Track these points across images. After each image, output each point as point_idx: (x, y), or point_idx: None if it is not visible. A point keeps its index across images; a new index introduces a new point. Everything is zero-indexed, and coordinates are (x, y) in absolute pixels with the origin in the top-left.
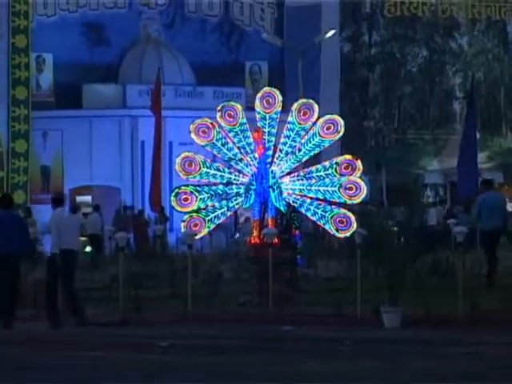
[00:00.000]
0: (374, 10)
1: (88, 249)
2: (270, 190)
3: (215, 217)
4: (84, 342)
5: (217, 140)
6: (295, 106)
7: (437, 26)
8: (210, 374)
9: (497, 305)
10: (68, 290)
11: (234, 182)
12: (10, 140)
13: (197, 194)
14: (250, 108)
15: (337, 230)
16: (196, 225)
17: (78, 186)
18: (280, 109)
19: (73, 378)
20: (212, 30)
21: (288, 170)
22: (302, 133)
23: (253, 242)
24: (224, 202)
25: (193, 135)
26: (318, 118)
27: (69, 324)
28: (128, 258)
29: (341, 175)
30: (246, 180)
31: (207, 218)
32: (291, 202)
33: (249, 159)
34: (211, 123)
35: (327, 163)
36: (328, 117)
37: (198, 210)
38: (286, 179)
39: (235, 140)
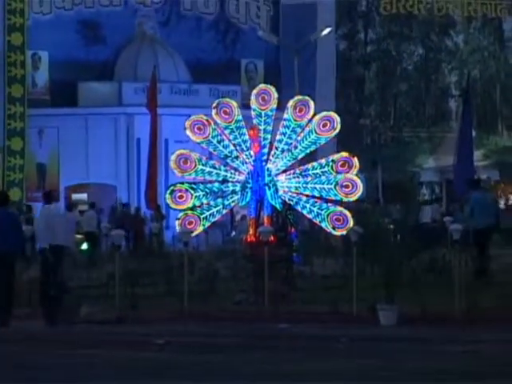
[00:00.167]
0: (370, 8)
1: (84, 246)
2: (266, 187)
3: (210, 215)
4: (81, 340)
5: (212, 137)
6: (291, 102)
7: (432, 24)
8: (206, 372)
9: (493, 302)
10: (56, 284)
11: (230, 179)
12: (5, 138)
13: (192, 192)
14: (245, 106)
15: (333, 228)
16: (191, 223)
17: (73, 183)
18: (276, 106)
19: (71, 377)
20: (208, 27)
21: (284, 168)
22: (298, 130)
23: (249, 239)
24: (219, 200)
25: (188, 132)
26: (314, 115)
27: (65, 322)
28: (124, 256)
29: (337, 173)
30: (241, 178)
31: (202, 216)
32: (287, 199)
33: (245, 157)
34: (207, 120)
35: (323, 161)
36: (324, 114)
37: (193, 208)
38: (282, 177)
39: (231, 137)
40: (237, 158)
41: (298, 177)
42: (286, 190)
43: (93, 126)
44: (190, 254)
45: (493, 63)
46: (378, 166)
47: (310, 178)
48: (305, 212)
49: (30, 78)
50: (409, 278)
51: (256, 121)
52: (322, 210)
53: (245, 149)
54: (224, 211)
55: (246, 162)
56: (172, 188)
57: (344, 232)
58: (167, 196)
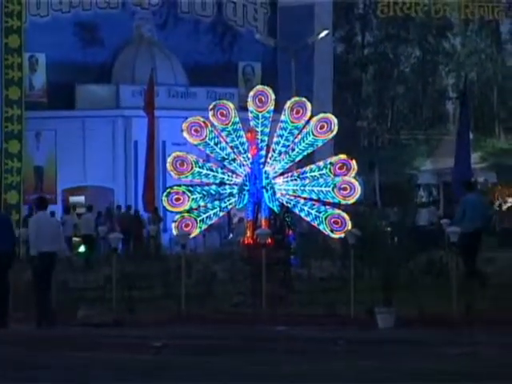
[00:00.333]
0: (367, 11)
1: (82, 249)
2: (264, 190)
3: (207, 217)
4: (78, 342)
5: (209, 139)
6: (288, 104)
7: (430, 27)
8: (203, 374)
9: (491, 305)
10: (41, 291)
11: (227, 182)
12: (3, 140)
13: (189, 194)
14: (242, 108)
15: (331, 231)
16: (187, 225)
17: (71, 186)
18: (273, 107)
19: (70, 379)
20: (205, 30)
21: (281, 171)
22: (295, 131)
23: (246, 242)
24: (216, 203)
25: (185, 134)
26: (311, 117)
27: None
28: (121, 259)
29: (335, 175)
30: (239, 180)
31: (199, 219)
32: (285, 202)
33: (242, 159)
34: (203, 122)
35: (321, 163)
36: (321, 115)
37: (189, 210)
38: (280, 180)
39: (228, 139)
40: (234, 160)
41: (295, 179)
42: (284, 192)
43: (90, 128)
44: (187, 256)
45: (490, 65)
46: (376, 168)
47: (307, 181)
48: (303, 215)
49: (27, 80)
50: (406, 280)
51: (253, 123)
52: (320, 212)
53: (242, 151)
54: (221, 214)
55: (243, 165)
56: (169, 190)
57: (342, 235)
58: (164, 198)
